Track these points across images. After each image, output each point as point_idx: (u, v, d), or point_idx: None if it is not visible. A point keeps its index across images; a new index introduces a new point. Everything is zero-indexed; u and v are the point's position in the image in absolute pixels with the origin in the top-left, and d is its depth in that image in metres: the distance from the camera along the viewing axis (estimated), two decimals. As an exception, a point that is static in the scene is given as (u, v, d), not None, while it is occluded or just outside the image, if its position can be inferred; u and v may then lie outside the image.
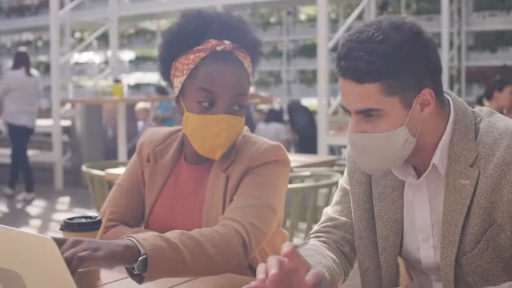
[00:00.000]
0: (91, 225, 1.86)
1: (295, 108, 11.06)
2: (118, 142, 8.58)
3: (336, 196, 1.96)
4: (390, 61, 1.57)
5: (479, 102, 7.17)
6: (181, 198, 2.11)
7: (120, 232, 2.04)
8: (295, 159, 5.42)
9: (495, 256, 1.63)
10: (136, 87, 15.59)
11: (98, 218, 1.88)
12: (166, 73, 2.08)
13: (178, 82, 2.02)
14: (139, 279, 1.63)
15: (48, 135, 11.79)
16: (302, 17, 15.42)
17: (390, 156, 1.66)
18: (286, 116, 11.53)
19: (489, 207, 1.62)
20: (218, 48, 1.98)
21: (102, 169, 4.86)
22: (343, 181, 1.95)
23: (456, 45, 11.64)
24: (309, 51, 13.55)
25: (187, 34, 2.02)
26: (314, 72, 13.23)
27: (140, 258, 1.60)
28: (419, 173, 1.75)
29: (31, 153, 10.73)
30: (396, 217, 1.79)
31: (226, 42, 1.98)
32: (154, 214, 2.13)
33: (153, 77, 16.43)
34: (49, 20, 10.86)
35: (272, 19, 16.18)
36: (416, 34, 1.61)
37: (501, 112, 6.61)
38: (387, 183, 1.80)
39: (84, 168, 5.00)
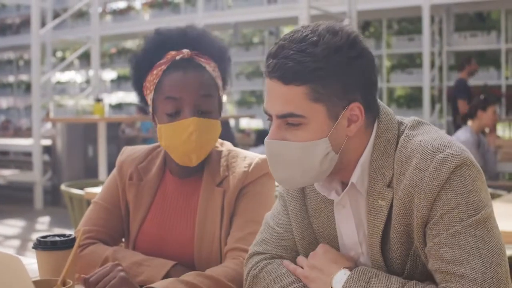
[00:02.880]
0: (65, 244, 1.83)
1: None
2: (99, 161, 8.51)
3: (278, 205, 1.83)
4: (320, 64, 1.47)
5: (464, 121, 7.19)
6: (171, 214, 2.11)
7: (98, 250, 2.03)
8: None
9: (429, 275, 1.54)
10: (118, 107, 15.53)
11: (72, 236, 1.85)
12: (141, 96, 2.13)
13: (149, 100, 2.07)
14: None
15: (28, 154, 11.72)
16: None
17: (307, 170, 1.55)
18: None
19: (405, 230, 1.54)
20: (177, 58, 2.02)
21: (82, 188, 4.80)
22: (281, 189, 1.82)
23: (437, 65, 11.72)
24: (291, 70, 13.51)
25: (149, 53, 2.07)
26: (296, 92, 13.30)
27: None
28: (345, 188, 1.64)
29: (11, 172, 10.65)
30: (334, 233, 1.69)
31: (185, 50, 2.03)
32: (143, 232, 2.12)
33: (135, 96, 16.36)
34: (30, 38, 10.81)
35: (255, 39, 16.22)
36: (353, 42, 1.52)
37: (483, 131, 6.71)
38: (319, 198, 1.70)
39: (63, 187, 4.94)
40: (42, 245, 1.83)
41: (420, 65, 11.18)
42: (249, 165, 2.08)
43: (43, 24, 11.54)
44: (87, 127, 10.22)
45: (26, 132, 13.87)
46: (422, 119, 1.65)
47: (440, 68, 11.72)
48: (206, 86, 2.01)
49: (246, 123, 16.22)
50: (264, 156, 2.10)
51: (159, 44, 2.07)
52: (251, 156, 2.11)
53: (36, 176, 10.29)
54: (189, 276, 1.77)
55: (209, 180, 2.07)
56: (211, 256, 2.01)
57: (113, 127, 10.58)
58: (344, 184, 1.66)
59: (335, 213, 1.67)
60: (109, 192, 2.18)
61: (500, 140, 8.83)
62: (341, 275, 1.56)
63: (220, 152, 2.12)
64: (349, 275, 1.55)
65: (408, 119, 1.64)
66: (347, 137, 1.56)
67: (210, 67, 2.05)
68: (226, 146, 2.16)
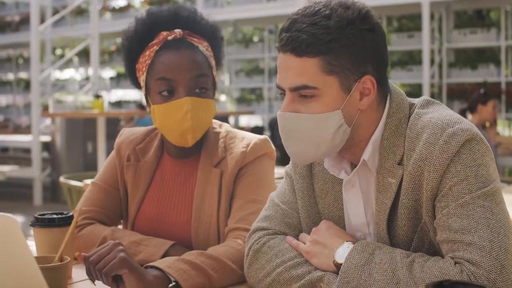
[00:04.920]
0: (62, 221, 1.83)
1: (277, 124, 11.07)
2: (98, 157, 8.50)
3: (284, 184, 1.83)
4: (333, 36, 1.49)
5: (463, 114, 7.17)
6: (169, 194, 2.11)
7: (96, 230, 2.03)
8: (277, 171, 5.38)
9: (435, 252, 1.55)
10: (117, 104, 15.52)
11: (70, 214, 1.84)
12: (134, 79, 2.12)
13: (142, 82, 2.07)
14: None
15: (27, 151, 11.71)
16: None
17: (320, 143, 1.56)
18: (267, 133, 11.51)
19: (413, 206, 1.55)
20: (169, 38, 2.02)
21: (81, 180, 4.79)
22: (289, 168, 1.83)
23: (437, 62, 11.70)
24: (290, 68, 13.50)
25: (141, 34, 2.06)
26: (296, 89, 13.28)
27: (170, 286, 1.64)
28: (354, 168, 1.65)
29: (10, 168, 10.64)
30: (340, 214, 1.70)
31: (177, 30, 2.03)
32: (141, 213, 2.12)
33: (134, 94, 16.38)
34: (29, 36, 10.79)
35: (255, 38, 16.22)
36: (365, 16, 1.54)
37: (483, 125, 6.69)
38: (327, 178, 1.71)
39: (62, 179, 4.93)
40: (40, 222, 1.83)
41: (419, 62, 11.15)
42: (247, 145, 2.07)
43: (42, 21, 11.52)
44: (86, 123, 10.22)
45: (26, 130, 13.85)
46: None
47: (440, 65, 11.70)
48: (200, 65, 2.01)
49: (246, 121, 16.20)
50: (262, 136, 2.11)
51: (150, 24, 2.06)
52: (249, 137, 2.11)
53: (35, 172, 10.29)
54: (191, 255, 1.76)
55: (207, 161, 2.07)
56: (209, 237, 2.01)
57: (112, 125, 10.57)
58: (353, 165, 1.67)
59: (344, 193, 1.68)
60: (107, 173, 2.18)
61: (500, 137, 8.82)
62: (344, 248, 1.56)
63: (218, 133, 2.11)
64: (353, 247, 1.54)
65: (418, 98, 1.66)
66: (360, 111, 1.56)
67: (203, 46, 2.05)
68: (224, 127, 2.15)
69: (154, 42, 2.03)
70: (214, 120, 2.14)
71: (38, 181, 10.30)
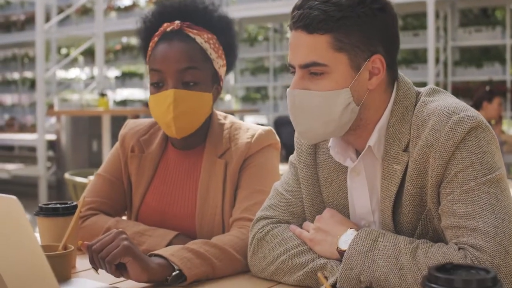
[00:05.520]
0: (66, 210, 1.83)
1: (282, 123, 11.05)
2: (103, 155, 8.50)
3: (288, 173, 1.84)
4: (344, 13, 1.51)
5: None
6: (173, 185, 2.11)
7: (100, 221, 2.04)
8: (282, 168, 5.37)
9: (439, 239, 1.55)
10: (122, 103, 15.52)
11: (74, 203, 1.84)
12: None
13: (147, 72, 2.09)
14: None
15: (32, 149, 11.71)
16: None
17: (328, 121, 1.57)
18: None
19: (418, 192, 1.55)
20: (168, 29, 2.04)
21: (85, 177, 4.80)
22: (293, 158, 1.84)
23: (442, 60, 11.67)
24: (295, 67, 13.49)
25: (148, 25, 2.10)
26: (300, 88, 13.25)
27: (173, 274, 1.65)
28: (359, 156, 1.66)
29: (15, 167, 10.64)
30: (344, 202, 1.71)
31: (176, 22, 2.04)
32: (145, 204, 2.13)
33: (139, 93, 16.38)
34: (35, 35, 10.80)
35: (260, 37, 16.21)
36: None
37: (489, 123, 6.67)
38: (332, 167, 1.72)
39: (67, 175, 4.93)
40: (44, 211, 1.83)
41: (425, 61, 11.12)
42: (252, 136, 2.07)
43: (47, 20, 11.52)
44: (91, 121, 10.21)
45: (31, 129, 13.85)
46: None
47: (445, 64, 11.66)
48: (190, 57, 2.00)
49: (251, 120, 16.19)
50: (267, 127, 2.11)
51: (157, 15, 2.09)
52: (254, 128, 2.11)
53: (40, 171, 10.28)
54: (196, 244, 1.76)
55: (211, 152, 2.07)
56: (213, 228, 2.01)
57: (117, 123, 10.56)
58: (358, 153, 1.68)
59: (349, 181, 1.69)
60: (112, 165, 2.18)
61: (505, 135, 8.79)
62: (348, 235, 1.57)
63: (223, 124, 2.12)
64: (356, 234, 1.55)
65: (424, 87, 1.66)
66: (368, 91, 1.57)
67: (202, 38, 2.03)
68: (229, 119, 2.16)
69: (156, 33, 2.05)
70: (219, 112, 2.15)
71: (43, 179, 10.29)
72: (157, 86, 2.01)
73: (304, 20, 1.53)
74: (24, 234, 1.12)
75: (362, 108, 1.58)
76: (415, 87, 1.65)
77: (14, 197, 1.09)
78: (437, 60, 11.31)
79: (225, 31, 2.11)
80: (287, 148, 10.89)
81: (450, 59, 11.50)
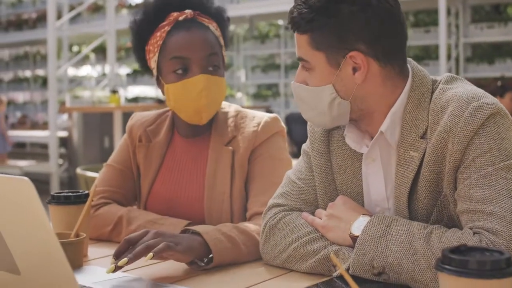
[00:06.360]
0: (78, 199, 1.83)
1: (293, 120, 11.04)
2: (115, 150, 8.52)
3: (301, 161, 1.84)
4: (317, 14, 1.55)
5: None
6: (180, 173, 2.12)
7: (112, 210, 2.05)
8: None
9: (454, 226, 1.54)
10: (134, 101, 15.56)
11: (86, 192, 1.84)
12: (143, 62, 2.14)
13: (153, 62, 2.08)
14: (197, 266, 1.67)
15: (44, 146, 11.75)
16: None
17: (321, 113, 1.63)
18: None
19: (434, 178, 1.55)
20: (180, 18, 2.05)
21: (97, 172, 4.79)
22: (306, 146, 1.85)
23: (453, 56, 11.63)
24: (307, 64, 13.47)
25: (150, 16, 2.09)
26: (312, 85, 13.22)
27: (210, 256, 1.66)
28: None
29: (27, 163, 10.68)
30: (358, 190, 1.70)
31: (187, 11, 2.06)
32: (153, 193, 2.14)
33: (151, 91, 16.43)
34: (46, 33, 10.84)
35: (271, 34, 16.21)
36: None
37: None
38: (346, 154, 1.72)
39: (78, 170, 4.94)
40: (56, 199, 1.83)
41: (436, 57, 11.08)
42: (258, 124, 2.09)
43: (59, 18, 11.55)
44: (103, 118, 10.24)
45: (43, 126, 13.91)
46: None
47: (457, 60, 11.63)
48: (211, 44, 2.04)
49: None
50: (273, 114, 2.13)
51: (160, 6, 2.09)
52: (260, 116, 2.12)
53: (52, 167, 10.33)
54: (226, 227, 1.76)
55: (217, 140, 2.09)
56: (222, 215, 2.01)
57: (128, 120, 10.59)
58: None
59: (364, 168, 1.69)
60: (121, 155, 2.20)
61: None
62: (361, 221, 1.57)
63: (227, 113, 2.13)
64: (369, 219, 1.54)
65: (441, 75, 1.66)
66: (357, 85, 1.58)
67: (213, 26, 2.09)
68: (233, 107, 2.17)
69: (165, 23, 2.05)
70: (223, 101, 2.16)
71: (55, 176, 10.34)
72: (181, 73, 2.01)
73: (289, 20, 1.62)
74: (36, 217, 1.11)
75: (358, 100, 1.60)
76: (430, 75, 1.65)
77: (26, 178, 1.08)
78: (448, 57, 11.28)
79: (223, 21, 2.15)
80: (299, 146, 10.88)
81: (461, 56, 11.47)
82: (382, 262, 1.48)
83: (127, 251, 1.58)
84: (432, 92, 1.60)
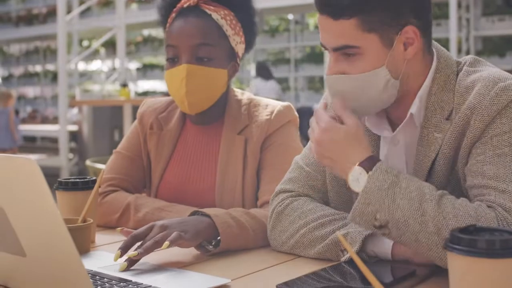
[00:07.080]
0: (85, 185, 1.83)
1: (303, 114, 11.06)
2: (124, 136, 8.53)
3: (309, 147, 1.76)
4: None
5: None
6: (192, 161, 2.11)
7: (120, 197, 2.04)
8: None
9: None
10: (144, 95, 15.57)
11: (93, 178, 1.84)
12: None
13: (165, 49, 2.09)
14: (205, 250, 1.66)
15: (54, 140, 11.77)
16: (311, 22, 15.39)
17: (371, 100, 1.55)
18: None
19: (452, 155, 1.53)
20: (185, 5, 2.04)
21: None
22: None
23: (464, 50, 11.58)
24: (317, 58, 13.51)
25: (168, 1, 2.10)
26: (322, 79, 13.19)
27: (218, 238, 1.65)
28: (394, 126, 1.64)
29: (38, 157, 10.70)
30: None
31: None
32: (164, 181, 2.13)
33: (160, 85, 16.43)
34: (56, 28, 10.85)
35: (281, 29, 16.18)
36: None
37: None
38: None
39: (88, 162, 4.95)
40: (63, 185, 1.83)
41: (447, 51, 11.05)
42: (271, 112, 2.06)
43: (69, 13, 11.57)
44: (113, 112, 10.25)
45: (53, 121, 13.94)
46: None
47: (468, 53, 11.54)
48: (204, 34, 2.00)
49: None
50: (286, 103, 2.10)
51: None
52: (273, 104, 2.10)
53: (62, 161, 10.35)
54: (237, 212, 1.75)
55: (230, 128, 2.07)
56: (233, 203, 2.00)
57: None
58: (391, 123, 1.66)
59: (385, 150, 1.66)
60: (131, 142, 2.18)
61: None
62: (356, 173, 1.48)
63: (240, 100, 2.11)
64: (376, 166, 1.45)
65: (465, 57, 1.64)
66: (406, 61, 1.54)
67: (218, 14, 2.03)
68: (246, 95, 2.15)
69: (175, 9, 2.05)
70: (235, 89, 2.14)
71: (66, 169, 10.36)
72: (172, 62, 2.02)
73: (328, 7, 1.50)
74: (42, 197, 1.10)
75: (402, 79, 1.55)
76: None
77: (31, 158, 1.07)
78: (459, 50, 11.22)
79: (243, 8, 2.10)
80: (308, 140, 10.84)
81: (472, 49, 11.40)
82: (386, 216, 1.41)
83: (133, 246, 1.57)
84: (457, 74, 1.57)
